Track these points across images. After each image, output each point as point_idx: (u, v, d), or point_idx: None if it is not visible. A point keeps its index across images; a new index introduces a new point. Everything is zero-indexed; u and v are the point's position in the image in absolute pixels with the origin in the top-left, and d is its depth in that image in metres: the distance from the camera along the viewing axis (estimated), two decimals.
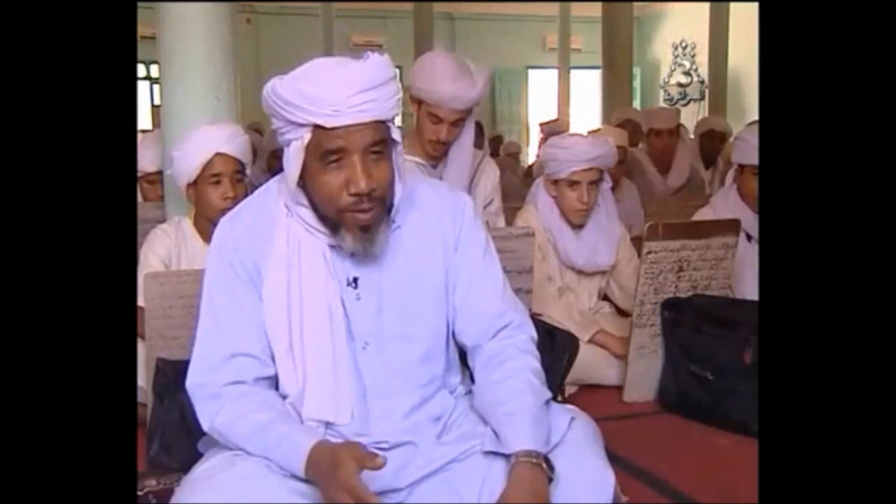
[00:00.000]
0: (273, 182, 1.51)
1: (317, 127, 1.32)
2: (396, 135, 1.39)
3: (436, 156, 2.59)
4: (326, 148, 1.33)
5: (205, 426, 1.42)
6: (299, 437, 1.32)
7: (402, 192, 1.42)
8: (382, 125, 1.36)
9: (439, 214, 1.50)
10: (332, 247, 1.42)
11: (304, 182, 1.38)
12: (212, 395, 1.41)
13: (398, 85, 1.37)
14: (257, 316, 1.42)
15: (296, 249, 1.42)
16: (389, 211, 1.42)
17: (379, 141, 1.35)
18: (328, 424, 1.41)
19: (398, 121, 1.44)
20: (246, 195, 1.97)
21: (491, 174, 2.80)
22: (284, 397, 1.43)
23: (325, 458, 1.26)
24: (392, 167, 1.39)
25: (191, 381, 1.43)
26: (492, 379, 1.44)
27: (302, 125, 1.33)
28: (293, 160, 1.36)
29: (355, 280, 1.44)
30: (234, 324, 1.43)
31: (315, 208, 1.40)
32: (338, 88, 1.31)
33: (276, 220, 1.44)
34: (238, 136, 2.46)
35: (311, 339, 1.40)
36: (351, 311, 1.43)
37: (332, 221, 1.39)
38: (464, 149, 2.62)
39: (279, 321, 1.41)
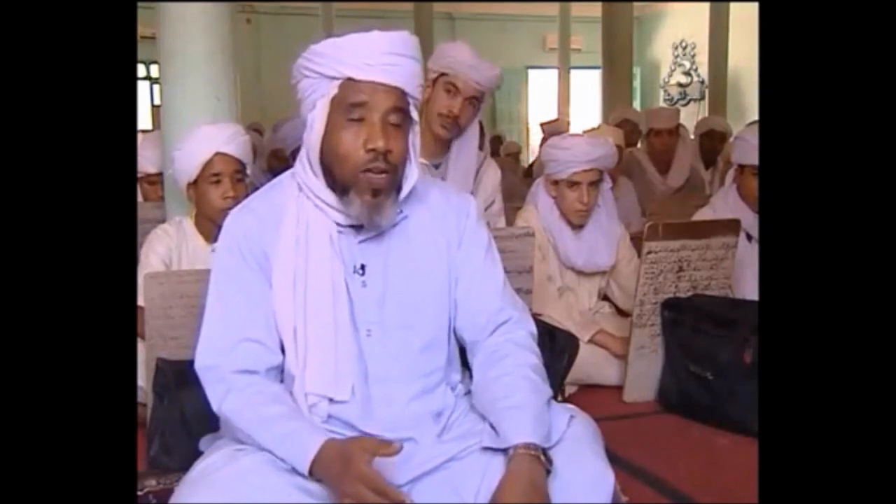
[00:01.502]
0: (284, 175, 1.55)
1: (345, 81, 1.39)
2: (415, 114, 1.46)
3: (443, 136, 2.58)
4: (351, 101, 1.39)
5: (214, 408, 1.43)
6: (307, 435, 1.33)
7: (414, 178, 1.46)
8: (404, 97, 1.42)
9: (445, 212, 1.54)
10: (340, 230, 1.45)
11: (322, 147, 1.43)
12: (220, 378, 1.42)
13: (422, 70, 1.46)
14: (265, 303, 1.44)
15: (304, 230, 1.45)
16: (398, 191, 1.45)
17: (399, 108, 1.42)
18: (331, 403, 1.41)
19: None
20: (246, 195, 1.98)
21: (492, 175, 2.80)
22: (291, 379, 1.44)
23: (335, 455, 1.27)
24: (408, 142, 1.44)
25: (199, 364, 1.45)
26: (491, 375, 1.46)
27: (332, 78, 1.40)
28: (318, 118, 1.42)
29: (363, 267, 1.46)
30: (243, 311, 1.44)
31: (329, 176, 1.43)
32: (372, 45, 1.41)
33: (285, 209, 1.47)
34: (238, 135, 2.47)
35: (313, 319, 1.42)
36: (356, 297, 1.45)
37: (343, 185, 1.42)
38: (468, 149, 2.64)
39: (285, 301, 1.44)
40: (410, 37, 1.45)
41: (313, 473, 1.30)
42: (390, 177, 1.42)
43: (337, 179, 1.42)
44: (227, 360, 1.42)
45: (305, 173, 1.47)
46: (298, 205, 1.47)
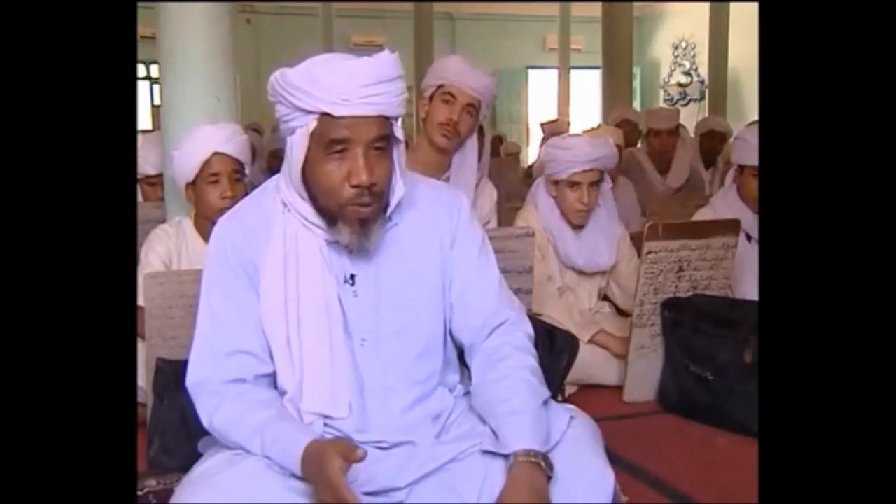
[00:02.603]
0: (271, 182, 1.52)
1: (323, 115, 1.34)
2: (399, 133, 1.42)
3: (444, 146, 2.59)
4: (331, 137, 1.34)
5: (204, 423, 1.42)
6: (294, 436, 1.32)
7: (400, 193, 1.43)
8: (387, 122, 1.38)
9: (436, 212, 1.51)
10: (329, 244, 1.43)
11: (304, 173, 1.39)
12: (212, 392, 1.42)
13: (405, 85, 1.40)
14: (255, 314, 1.43)
15: (293, 246, 1.43)
16: (386, 209, 1.43)
17: (383, 136, 1.37)
18: (327, 418, 1.41)
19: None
20: (245, 195, 1.97)
21: (488, 196, 2.82)
22: (283, 393, 1.43)
23: (314, 457, 1.27)
24: (393, 164, 1.41)
25: (191, 380, 1.44)
26: (489, 378, 1.45)
27: (309, 112, 1.35)
28: (297, 147, 1.38)
29: (352, 277, 1.44)
30: (233, 322, 1.43)
31: (314, 200, 1.41)
32: (349, 78, 1.33)
33: (273, 218, 1.45)
34: (237, 135, 2.47)
35: (308, 335, 1.41)
36: (348, 307, 1.44)
37: (330, 214, 1.39)
38: (468, 166, 2.66)
39: (276, 317, 1.42)
40: (389, 57, 1.38)
41: (302, 474, 1.30)
42: (376, 206, 1.39)
43: (323, 209, 1.40)
44: (218, 373, 1.42)
45: (291, 194, 1.43)
46: (285, 221, 1.43)
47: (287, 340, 1.42)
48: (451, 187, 1.66)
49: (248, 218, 1.48)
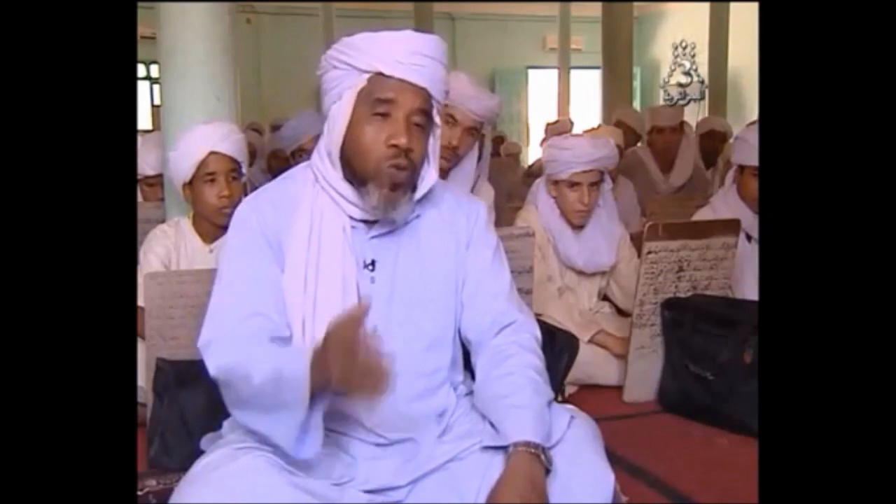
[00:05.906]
0: (297, 169, 1.57)
1: (375, 75, 1.41)
2: (437, 118, 1.48)
3: (442, 167, 2.59)
4: (377, 96, 1.41)
5: (211, 372, 1.38)
6: (299, 354, 1.28)
7: (432, 180, 1.48)
8: (429, 99, 1.45)
9: (455, 215, 1.56)
10: (353, 225, 1.46)
11: (343, 140, 1.44)
12: (223, 346, 1.38)
13: (446, 75, 1.49)
14: (275, 285, 1.43)
15: (318, 222, 1.46)
16: (414, 189, 1.47)
17: (423, 110, 1.44)
18: (333, 394, 1.40)
19: None
20: (245, 194, 1.97)
21: (483, 197, 2.81)
22: None
23: (319, 346, 1.25)
24: (427, 148, 1.47)
25: (204, 339, 1.42)
26: (494, 374, 1.46)
27: (363, 71, 1.42)
28: (344, 106, 1.43)
29: (373, 263, 1.47)
30: (250, 288, 1.43)
31: (347, 167, 1.44)
32: (403, 43, 1.43)
33: (300, 198, 1.48)
34: (232, 134, 2.46)
35: (322, 311, 1.42)
36: (365, 292, 1.45)
37: (361, 178, 1.42)
38: (464, 173, 2.67)
39: (296, 292, 1.44)
40: (440, 41, 1.47)
41: (313, 375, 1.25)
42: (409, 174, 1.43)
43: (356, 172, 1.43)
44: (232, 332, 1.39)
45: (323, 164, 1.48)
46: (313, 196, 1.48)
47: (303, 316, 1.43)
48: (471, 196, 1.72)
49: (276, 196, 1.51)
